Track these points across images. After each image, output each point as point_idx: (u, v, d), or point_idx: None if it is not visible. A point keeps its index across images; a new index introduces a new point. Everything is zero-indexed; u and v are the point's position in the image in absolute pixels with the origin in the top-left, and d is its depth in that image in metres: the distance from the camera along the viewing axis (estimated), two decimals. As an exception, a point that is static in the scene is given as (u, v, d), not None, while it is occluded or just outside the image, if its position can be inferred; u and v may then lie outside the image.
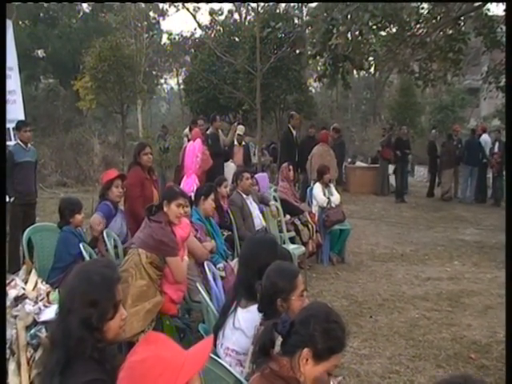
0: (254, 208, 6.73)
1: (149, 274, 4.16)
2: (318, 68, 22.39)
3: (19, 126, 7.40)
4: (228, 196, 6.78)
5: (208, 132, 10.33)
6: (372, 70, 23.75)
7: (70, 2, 14.16)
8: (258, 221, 6.64)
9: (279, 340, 2.25)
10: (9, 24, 9.19)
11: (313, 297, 5.82)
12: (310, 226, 7.60)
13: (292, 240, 7.39)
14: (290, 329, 2.20)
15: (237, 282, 3.25)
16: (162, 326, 4.27)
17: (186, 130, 13.60)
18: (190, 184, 6.86)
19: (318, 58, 12.24)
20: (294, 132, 12.16)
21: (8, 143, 8.38)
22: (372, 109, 29.92)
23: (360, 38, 9.79)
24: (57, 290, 3.81)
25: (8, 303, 3.61)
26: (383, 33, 11.02)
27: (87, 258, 4.41)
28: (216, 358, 2.79)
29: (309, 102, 19.39)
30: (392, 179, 15.75)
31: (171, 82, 40.02)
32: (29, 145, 7.32)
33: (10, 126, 8.58)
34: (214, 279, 4.28)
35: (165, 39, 30.91)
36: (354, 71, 21.30)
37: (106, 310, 2.11)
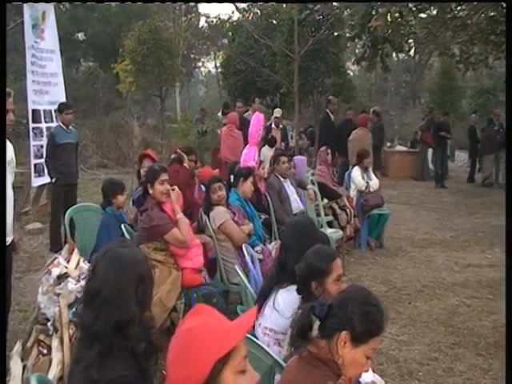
0: (292, 191, 6.70)
1: (157, 259, 4.16)
2: (357, 50, 22.08)
3: (61, 108, 7.51)
4: (266, 179, 6.77)
5: (246, 115, 10.32)
6: (412, 52, 23.32)
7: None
8: (296, 204, 6.61)
9: (317, 323, 2.24)
10: (50, 8, 9.33)
11: (350, 282, 5.77)
12: (347, 210, 7.54)
13: (330, 224, 7.35)
14: (328, 312, 2.19)
15: (277, 265, 3.25)
16: (191, 300, 4.26)
17: (219, 113, 13.65)
18: (250, 154, 6.84)
19: (356, 40, 12.07)
20: (332, 116, 12.04)
21: (50, 125, 8.56)
22: (411, 92, 29.39)
23: (400, 19, 9.60)
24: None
25: (51, 281, 3.70)
26: (423, 15, 10.76)
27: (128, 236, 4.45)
28: (254, 339, 2.80)
29: (347, 85, 19.15)
30: (432, 164, 15.48)
31: (209, 65, 40.11)
32: (70, 127, 7.42)
33: (51, 107, 8.76)
34: (252, 262, 4.30)
35: (203, 22, 30.94)
36: (394, 54, 20.97)
37: (151, 285, 2.19)
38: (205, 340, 1.59)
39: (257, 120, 6.99)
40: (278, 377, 2.65)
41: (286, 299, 2.98)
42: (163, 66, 17.75)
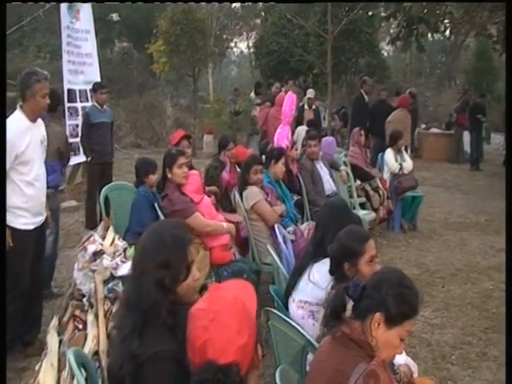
0: (325, 172, 6.66)
1: None
2: (392, 30, 21.67)
3: (95, 87, 7.58)
4: (298, 160, 6.74)
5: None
6: (447, 32, 22.78)
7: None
8: (328, 185, 6.57)
9: (350, 304, 2.23)
10: (86, -11, 9.39)
11: (383, 264, 5.72)
12: (380, 192, 7.48)
13: (362, 206, 7.30)
14: (362, 293, 2.18)
15: (313, 243, 3.24)
16: (221, 278, 4.28)
17: (252, 93, 13.60)
18: (283, 134, 6.81)
19: (391, 19, 11.84)
20: (366, 97, 11.88)
21: (85, 104, 8.67)
22: (447, 73, 28.75)
23: (435, -1, 9.37)
24: (133, 246, 3.92)
25: (87, 258, 3.77)
26: (459, -6, 10.49)
27: (162, 218, 4.47)
28: (288, 319, 2.81)
29: (381, 65, 18.83)
30: (467, 146, 15.18)
31: (241, 46, 39.86)
32: (104, 106, 7.49)
33: (86, 87, 8.85)
34: (285, 242, 4.30)
35: (236, 2, 30.67)
36: (429, 34, 20.49)
37: (179, 271, 2.09)
38: (249, 309, 1.64)
39: (290, 100, 6.92)
40: (310, 356, 2.66)
41: (321, 271, 2.99)
42: (196, 47, 17.67)
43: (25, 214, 3.92)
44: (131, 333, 2.03)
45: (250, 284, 1.93)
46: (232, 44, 35.13)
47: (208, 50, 18.68)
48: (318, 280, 3.02)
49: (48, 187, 4.31)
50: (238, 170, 6.31)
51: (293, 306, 3.13)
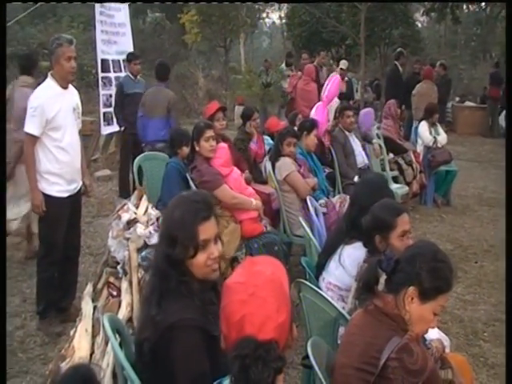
0: (357, 145, 6.58)
1: None
2: (426, 1, 21.12)
3: (129, 58, 7.59)
4: (330, 132, 6.67)
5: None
6: (483, 4, 22.04)
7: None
8: (361, 158, 6.49)
9: (383, 277, 2.21)
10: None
11: (416, 239, 5.67)
12: (414, 165, 7.37)
13: (395, 179, 7.21)
14: (395, 266, 2.16)
15: (347, 220, 3.20)
16: (252, 250, 4.30)
17: (283, 65, 13.43)
18: (323, 115, 6.76)
19: (425, -11, 11.51)
20: (401, 69, 11.65)
21: (118, 74, 8.68)
22: (482, 45, 27.92)
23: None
24: (166, 216, 3.95)
25: (121, 226, 3.82)
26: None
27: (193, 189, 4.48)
28: (319, 291, 2.81)
29: (415, 36, 18.43)
30: (502, 120, 14.80)
31: (273, 16, 39.35)
32: (138, 77, 7.50)
33: (120, 57, 8.86)
34: (316, 214, 4.28)
35: (268, -28, 30.19)
36: (464, 5, 19.89)
37: (186, 247, 2.06)
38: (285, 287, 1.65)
39: (335, 82, 6.87)
40: (341, 329, 2.66)
41: (352, 256, 2.95)
42: (228, 17, 17.59)
43: (59, 181, 3.98)
44: (150, 299, 2.07)
45: (281, 262, 1.92)
46: (264, 15, 34.71)
47: (240, 20, 18.54)
48: (347, 265, 2.99)
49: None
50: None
51: (323, 286, 3.12)
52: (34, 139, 3.87)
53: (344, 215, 3.41)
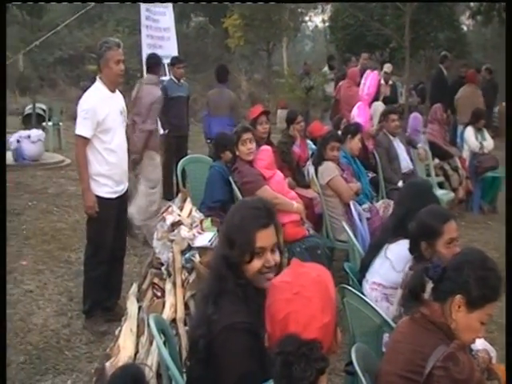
0: (402, 150, 6.50)
1: None
2: (472, 4, 20.70)
3: (173, 62, 7.70)
4: (374, 136, 6.61)
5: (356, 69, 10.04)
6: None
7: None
8: (405, 163, 6.41)
9: (430, 285, 2.18)
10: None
11: (461, 246, 5.57)
12: (460, 171, 7.26)
13: (440, 185, 7.09)
14: (442, 274, 2.12)
15: (394, 221, 3.18)
16: (294, 254, 4.29)
17: (325, 68, 13.36)
18: (365, 115, 6.72)
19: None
20: (446, 72, 11.46)
21: (163, 78, 8.80)
22: (532, 48, 27.17)
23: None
24: (209, 218, 4.00)
25: (165, 228, 3.87)
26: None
27: (237, 193, 4.52)
28: (363, 297, 2.79)
29: (461, 40, 18.08)
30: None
31: (316, 20, 39.20)
32: (181, 80, 7.60)
33: (164, 61, 8.97)
34: (360, 219, 4.25)
35: (311, -25, 30.12)
36: (512, 7, 19.38)
37: (242, 252, 2.06)
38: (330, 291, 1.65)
39: (373, 79, 6.81)
40: (386, 337, 2.63)
41: (398, 252, 2.93)
42: (271, 21, 17.64)
43: (108, 183, 4.07)
44: (207, 298, 2.09)
45: (324, 266, 1.92)
46: (307, 18, 34.62)
47: (283, 24, 18.56)
48: (393, 258, 2.97)
49: None
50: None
51: (366, 288, 3.09)
52: (85, 141, 3.97)
53: (389, 218, 3.39)
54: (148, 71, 6.55)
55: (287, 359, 1.64)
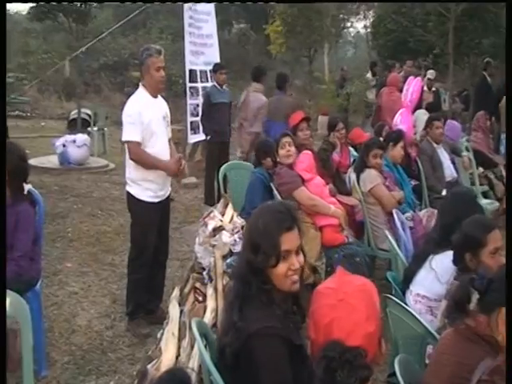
0: (445, 158, 6.39)
1: None
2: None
3: (216, 68, 7.77)
4: (417, 144, 6.53)
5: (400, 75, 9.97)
6: None
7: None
8: (449, 172, 6.30)
9: (476, 296, 2.15)
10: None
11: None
12: (505, 180, 7.07)
13: (485, 195, 6.93)
14: (489, 285, 2.08)
15: (436, 232, 3.14)
16: (332, 260, 4.26)
17: (368, 74, 13.25)
18: (408, 122, 6.66)
19: (518, -3, 11.04)
20: (489, 79, 11.23)
21: (205, 84, 8.90)
22: None
23: None
24: (250, 224, 4.01)
25: (207, 233, 3.91)
26: None
27: (278, 199, 4.50)
28: (407, 307, 2.76)
29: (507, 46, 17.61)
30: None
31: (358, 26, 38.96)
32: (224, 86, 7.66)
33: (207, 68, 9.07)
34: (403, 228, 4.19)
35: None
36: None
37: (267, 256, 2.06)
38: (375, 300, 1.64)
39: (417, 85, 6.73)
40: (429, 348, 2.60)
41: (443, 263, 2.89)
42: (313, 27, 17.63)
43: (151, 187, 4.12)
44: (233, 305, 2.10)
45: (364, 274, 1.91)
46: (348, 24, 34.47)
47: (325, 30, 18.53)
48: (438, 270, 2.93)
49: None
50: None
51: (410, 299, 3.05)
52: (137, 144, 4.02)
53: (433, 228, 3.34)
54: (254, 80, 7.62)
55: (331, 365, 1.65)
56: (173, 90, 12.80)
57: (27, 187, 3.60)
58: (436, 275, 2.91)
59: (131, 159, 4.07)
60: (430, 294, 2.94)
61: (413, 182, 5.90)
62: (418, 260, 3.13)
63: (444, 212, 3.23)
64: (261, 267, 2.07)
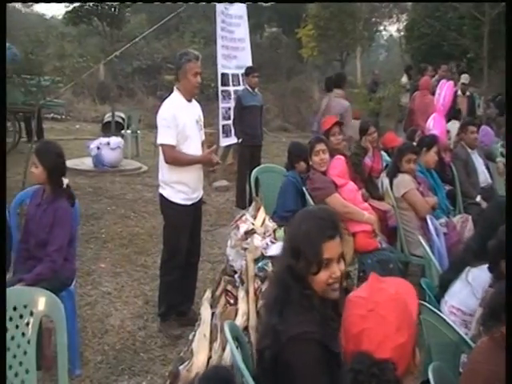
0: (480, 163, 6.28)
1: None
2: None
3: (248, 71, 7.79)
4: (451, 149, 6.44)
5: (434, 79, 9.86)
6: None
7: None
8: (483, 177, 6.18)
9: None
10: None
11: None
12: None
13: (520, 200, 6.79)
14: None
15: (474, 242, 3.08)
16: (365, 266, 4.24)
17: (404, 78, 13.12)
18: (442, 128, 6.59)
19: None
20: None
21: (237, 88, 8.94)
22: None
23: None
24: (282, 228, 4.02)
25: (239, 236, 3.92)
26: None
27: (311, 203, 4.50)
28: (441, 314, 2.72)
29: (544, 49, 17.25)
30: None
31: (391, 29, 38.70)
32: (256, 90, 7.67)
33: (239, 71, 9.11)
34: (437, 234, 4.14)
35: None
36: None
37: (309, 263, 2.05)
38: (410, 310, 1.62)
39: (448, 90, 6.64)
40: (463, 357, 2.55)
41: (480, 278, 2.83)
42: (345, 31, 17.57)
43: (184, 190, 4.15)
44: (272, 308, 2.10)
45: (412, 287, 1.88)
46: (381, 27, 34.24)
47: (357, 34, 18.44)
48: (474, 284, 2.87)
49: None
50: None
51: (445, 309, 3.00)
52: (172, 148, 4.06)
53: (472, 237, 3.28)
54: (335, 86, 7.69)
55: (358, 378, 1.63)
56: (205, 93, 12.88)
57: (66, 181, 3.68)
58: (472, 290, 2.86)
59: (166, 162, 4.12)
60: (464, 307, 2.89)
61: (447, 188, 5.83)
62: (454, 268, 3.08)
63: (484, 222, 3.17)
64: (302, 273, 2.06)
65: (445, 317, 2.71)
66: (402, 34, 25.70)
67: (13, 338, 2.71)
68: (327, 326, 2.06)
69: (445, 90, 6.69)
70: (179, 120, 4.06)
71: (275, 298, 2.13)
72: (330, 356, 2.00)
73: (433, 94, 9.33)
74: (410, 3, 26.74)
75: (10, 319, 2.70)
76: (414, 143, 5.67)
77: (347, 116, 7.28)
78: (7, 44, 7.89)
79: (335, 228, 2.12)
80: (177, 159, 4.10)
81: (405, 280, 1.90)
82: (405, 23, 25.10)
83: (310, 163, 4.57)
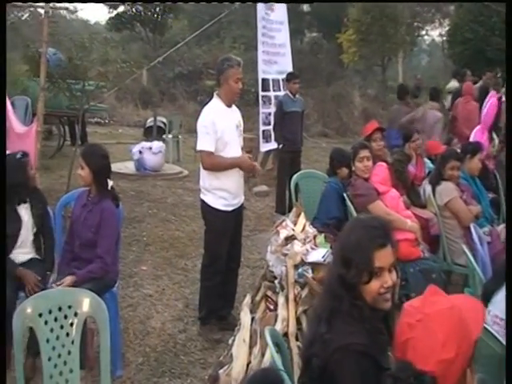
0: (525, 171, 6.14)
1: None
2: None
3: (289, 77, 7.81)
4: (495, 156, 6.32)
5: (477, 86, 9.67)
6: None
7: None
8: (528, 185, 6.04)
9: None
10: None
11: None
12: None
13: None
14: None
15: None
16: (407, 275, 4.18)
17: (451, 83, 12.88)
18: (480, 138, 6.48)
19: None
20: None
21: (278, 93, 8.97)
22: None
23: None
24: (322, 234, 4.01)
25: (279, 242, 3.92)
26: None
27: (352, 209, 4.49)
28: (486, 325, 2.66)
29: None
30: None
31: (433, 34, 38.14)
32: (297, 95, 7.67)
33: (279, 77, 9.14)
34: (481, 243, 4.06)
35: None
36: None
37: (359, 273, 2.01)
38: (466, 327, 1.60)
39: (491, 105, 6.51)
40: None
41: None
42: (387, 35, 17.39)
43: (225, 196, 4.19)
44: (320, 316, 2.07)
45: (481, 307, 1.83)
46: (423, 32, 33.83)
47: (399, 38, 18.24)
48: None
49: None
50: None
51: (488, 319, 2.94)
52: (210, 154, 4.10)
53: None
54: (431, 99, 8.65)
55: None
56: (245, 98, 12.95)
57: (110, 183, 3.76)
58: None
59: (205, 169, 4.16)
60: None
61: (490, 195, 5.71)
62: (498, 277, 3.02)
63: None
64: (353, 282, 2.03)
65: (488, 327, 2.66)
66: (445, 38, 25.37)
67: (58, 337, 2.78)
68: (376, 339, 2.02)
69: (488, 106, 6.57)
70: (218, 126, 4.08)
71: (324, 307, 2.10)
72: (378, 370, 1.95)
73: (475, 100, 9.17)
74: (452, 8, 26.40)
75: (55, 319, 2.77)
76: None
77: (438, 125, 8.04)
78: (53, 50, 8.15)
79: (387, 236, 2.09)
80: (215, 165, 4.14)
81: (475, 299, 1.85)
82: (447, 28, 24.77)
83: (352, 169, 4.54)
